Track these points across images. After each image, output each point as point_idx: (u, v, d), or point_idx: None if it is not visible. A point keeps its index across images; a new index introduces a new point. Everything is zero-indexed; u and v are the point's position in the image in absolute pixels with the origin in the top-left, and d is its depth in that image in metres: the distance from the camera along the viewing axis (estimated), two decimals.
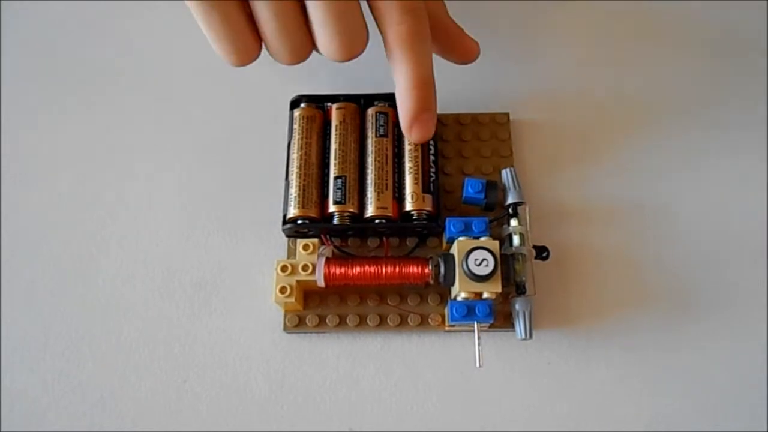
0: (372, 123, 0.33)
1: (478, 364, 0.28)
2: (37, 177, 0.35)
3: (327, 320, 0.31)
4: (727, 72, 0.37)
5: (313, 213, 0.31)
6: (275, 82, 0.37)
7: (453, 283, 0.29)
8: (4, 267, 0.33)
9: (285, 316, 0.31)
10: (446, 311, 0.31)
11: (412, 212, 0.31)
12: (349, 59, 0.29)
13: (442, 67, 0.31)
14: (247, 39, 0.28)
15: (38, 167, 0.36)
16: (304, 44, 0.28)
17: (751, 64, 0.37)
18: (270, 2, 0.27)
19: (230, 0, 0.27)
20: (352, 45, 0.28)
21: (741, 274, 0.32)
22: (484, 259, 0.28)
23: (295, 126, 0.33)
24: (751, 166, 0.35)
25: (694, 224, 0.33)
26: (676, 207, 0.34)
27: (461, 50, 0.32)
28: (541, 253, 0.31)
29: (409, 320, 0.31)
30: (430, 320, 0.31)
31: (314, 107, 0.33)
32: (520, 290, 0.30)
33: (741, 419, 0.30)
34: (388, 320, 0.31)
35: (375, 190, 0.31)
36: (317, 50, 0.29)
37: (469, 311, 0.29)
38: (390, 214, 0.31)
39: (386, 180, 0.31)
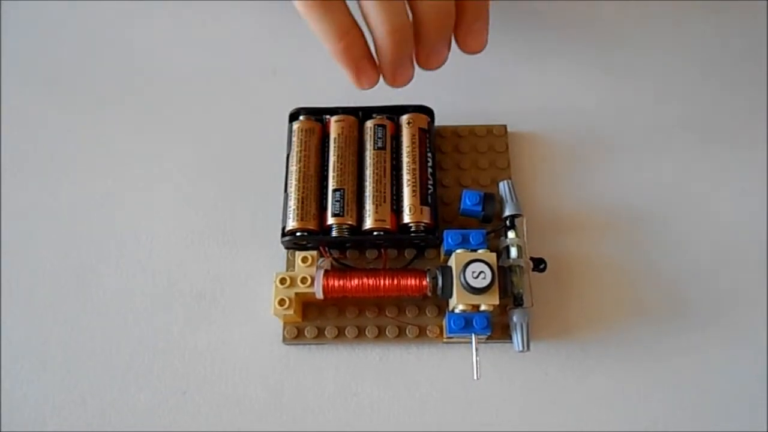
0: (370, 135, 0.33)
1: (476, 376, 0.28)
2: (36, 186, 0.35)
3: (326, 332, 0.31)
4: (724, 83, 0.37)
5: (311, 225, 0.31)
6: (274, 95, 0.37)
7: (451, 296, 0.29)
8: (3, 277, 0.33)
9: (284, 327, 0.31)
10: (444, 323, 0.31)
11: (410, 224, 0.31)
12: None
13: (440, 79, 0.31)
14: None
15: (36, 176, 0.36)
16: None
17: (749, 74, 0.38)
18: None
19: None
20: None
21: (737, 283, 0.33)
22: (481, 272, 0.28)
23: (294, 138, 0.33)
24: (747, 174, 0.35)
25: (690, 234, 0.34)
26: (673, 217, 0.34)
27: (475, 42, 0.30)
28: (539, 265, 0.31)
29: (407, 332, 0.31)
30: (428, 332, 0.31)
31: (313, 120, 0.33)
32: (518, 302, 0.30)
33: (740, 428, 0.30)
34: (387, 332, 0.31)
35: (373, 203, 0.31)
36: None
37: (466, 323, 0.29)
38: (388, 227, 0.31)
39: (384, 192, 0.31)
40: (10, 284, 0.33)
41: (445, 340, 0.31)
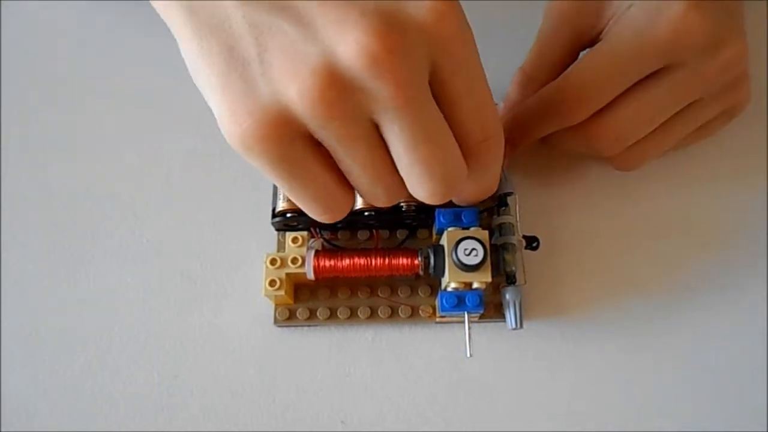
0: None
1: (468, 355, 0.28)
2: (28, 172, 0.35)
3: (317, 313, 0.31)
4: None
5: None
6: None
7: (443, 274, 0.29)
8: None
9: (275, 309, 0.31)
10: (437, 302, 0.31)
11: (402, 204, 0.31)
12: (444, 201, 0.26)
13: None
14: (339, 196, 0.25)
15: (29, 161, 0.35)
16: (400, 186, 0.25)
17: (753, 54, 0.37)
18: (357, 156, 0.24)
19: (312, 162, 0.24)
20: (445, 186, 0.25)
21: (736, 259, 0.33)
22: (473, 249, 0.28)
23: None
24: (748, 152, 0.35)
25: (686, 213, 0.34)
26: (669, 196, 0.34)
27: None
28: (531, 243, 0.31)
29: (399, 312, 0.31)
30: (420, 311, 0.31)
31: None
32: (511, 280, 0.30)
33: (736, 407, 0.30)
34: (379, 312, 0.31)
35: None
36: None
37: (459, 301, 0.29)
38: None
39: None
40: (0, 269, 0.33)
41: (437, 319, 0.31)
